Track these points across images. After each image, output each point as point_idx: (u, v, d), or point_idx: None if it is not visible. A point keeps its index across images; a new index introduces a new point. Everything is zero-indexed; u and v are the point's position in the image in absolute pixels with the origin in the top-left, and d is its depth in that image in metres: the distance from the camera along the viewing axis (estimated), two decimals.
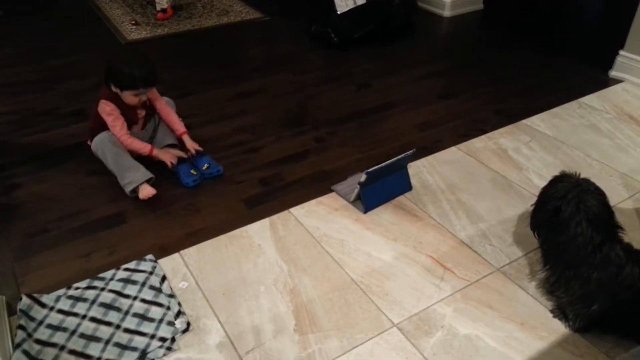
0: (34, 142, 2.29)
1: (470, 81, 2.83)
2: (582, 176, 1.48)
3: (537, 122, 2.43)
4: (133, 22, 3.50)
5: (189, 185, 1.98)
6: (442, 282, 1.60)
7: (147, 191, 1.90)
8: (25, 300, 1.49)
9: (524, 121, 2.43)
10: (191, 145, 2.10)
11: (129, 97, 1.96)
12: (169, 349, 1.39)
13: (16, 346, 1.35)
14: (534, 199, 1.91)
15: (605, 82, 2.78)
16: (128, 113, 2.01)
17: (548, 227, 1.47)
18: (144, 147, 2.01)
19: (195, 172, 2.01)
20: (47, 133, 2.34)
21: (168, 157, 2.03)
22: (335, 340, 1.43)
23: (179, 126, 2.13)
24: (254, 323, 1.47)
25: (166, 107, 2.13)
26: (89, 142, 2.12)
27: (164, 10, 3.58)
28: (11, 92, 2.68)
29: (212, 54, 3.16)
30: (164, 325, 1.44)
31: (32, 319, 1.45)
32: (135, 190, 1.92)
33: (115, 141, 1.98)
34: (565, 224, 1.37)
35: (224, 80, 2.81)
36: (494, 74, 2.92)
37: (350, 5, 3.23)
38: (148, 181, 1.93)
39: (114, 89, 1.96)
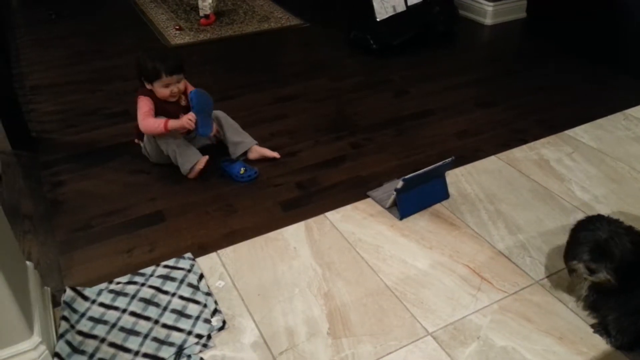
0: (80, 140, 2.37)
1: (511, 90, 2.79)
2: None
3: (581, 133, 2.37)
4: (177, 27, 3.59)
5: (244, 180, 2.06)
6: (479, 292, 1.58)
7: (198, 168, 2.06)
8: (69, 293, 1.54)
9: (567, 132, 2.38)
10: None
11: (159, 89, 2.00)
12: (204, 345, 1.41)
13: (59, 336, 1.40)
14: (576, 211, 1.88)
15: None
16: (168, 115, 2.05)
17: None
18: (158, 125, 1.99)
19: (244, 170, 2.07)
20: (92, 132, 2.42)
21: (182, 123, 1.99)
22: (368, 346, 1.42)
23: None
24: (287, 324, 1.48)
25: None
26: (135, 141, 2.19)
27: (206, 16, 3.66)
28: (59, 92, 2.79)
29: (253, 59, 3.21)
30: (200, 323, 1.47)
31: (74, 311, 1.50)
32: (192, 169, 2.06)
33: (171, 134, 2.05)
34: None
35: (264, 85, 2.85)
36: (536, 83, 2.86)
37: (390, 13, 3.23)
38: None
39: (147, 85, 2.02)
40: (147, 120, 2.00)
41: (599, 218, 1.42)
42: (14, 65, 3.06)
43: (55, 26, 3.68)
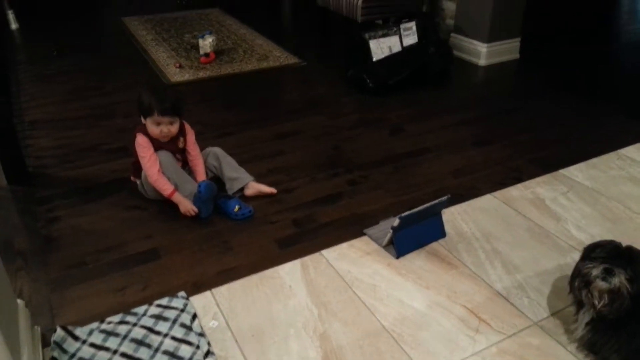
0: (77, 176, 2.37)
1: (506, 129, 2.82)
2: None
3: (575, 172, 2.39)
4: (177, 64, 3.65)
5: (238, 218, 2.05)
6: (477, 334, 1.56)
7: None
8: (59, 332, 1.51)
9: (562, 171, 2.39)
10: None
11: (150, 126, 2.01)
12: None
13: None
14: (573, 251, 1.88)
15: None
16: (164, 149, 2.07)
17: None
18: (166, 189, 2.03)
19: (238, 208, 2.06)
20: (90, 168, 2.43)
21: (186, 208, 2.03)
22: None
23: (200, 176, 2.15)
24: None
25: (197, 156, 2.16)
26: (132, 178, 2.19)
27: (206, 55, 3.72)
28: (58, 128, 2.80)
29: (251, 96, 3.25)
30: None
31: (64, 351, 1.47)
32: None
33: (168, 163, 2.05)
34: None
35: (262, 122, 2.87)
36: (531, 122, 2.90)
37: (386, 53, 3.30)
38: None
39: (142, 120, 2.03)
40: (160, 179, 2.02)
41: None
42: (14, 100, 3.09)
43: (57, 62, 3.73)
